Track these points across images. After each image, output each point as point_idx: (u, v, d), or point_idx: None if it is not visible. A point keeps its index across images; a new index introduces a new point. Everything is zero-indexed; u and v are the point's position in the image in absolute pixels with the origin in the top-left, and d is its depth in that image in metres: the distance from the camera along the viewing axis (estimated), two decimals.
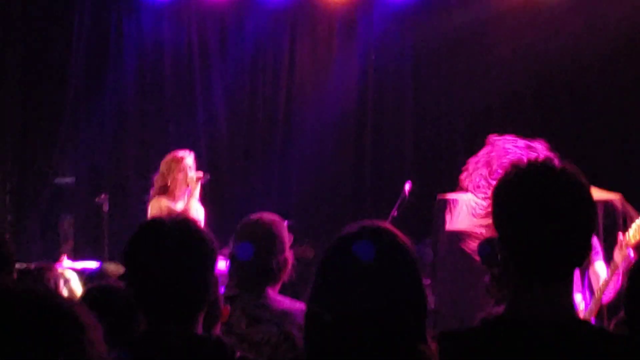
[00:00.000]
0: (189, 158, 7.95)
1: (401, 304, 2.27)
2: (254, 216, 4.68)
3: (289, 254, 4.59)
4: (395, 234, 2.38)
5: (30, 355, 1.64)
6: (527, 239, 2.56)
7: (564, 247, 2.56)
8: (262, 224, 4.60)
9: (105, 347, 1.77)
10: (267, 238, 4.55)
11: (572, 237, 2.57)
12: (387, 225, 2.42)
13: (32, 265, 5.12)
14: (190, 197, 7.84)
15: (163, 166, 7.90)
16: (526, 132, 9.40)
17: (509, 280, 2.65)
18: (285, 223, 4.81)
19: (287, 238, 4.67)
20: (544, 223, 2.54)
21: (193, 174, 7.90)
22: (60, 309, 1.72)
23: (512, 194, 2.62)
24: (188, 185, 7.85)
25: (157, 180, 7.89)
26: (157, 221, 3.04)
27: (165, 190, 7.81)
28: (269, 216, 4.70)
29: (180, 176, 7.84)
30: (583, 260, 2.64)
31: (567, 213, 2.55)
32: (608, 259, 6.30)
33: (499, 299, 4.52)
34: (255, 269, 4.48)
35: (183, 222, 3.00)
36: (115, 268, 5.80)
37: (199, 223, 3.09)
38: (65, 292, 5.00)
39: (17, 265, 5.22)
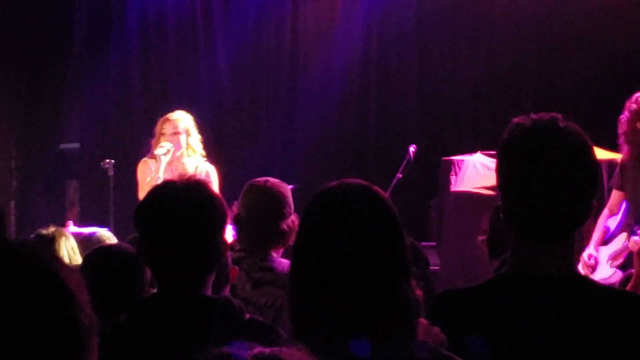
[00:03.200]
0: (179, 119, 7.75)
1: (384, 259, 2.27)
2: (261, 179, 4.68)
3: (295, 218, 4.59)
4: (374, 190, 2.39)
5: (15, 317, 1.63)
6: (528, 195, 2.57)
7: (566, 206, 2.56)
8: (270, 187, 4.60)
9: (92, 312, 1.76)
10: (275, 201, 4.55)
11: (574, 196, 2.56)
12: (364, 182, 2.42)
13: (45, 230, 5.12)
14: (158, 163, 7.55)
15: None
16: (531, 92, 9.40)
17: (510, 238, 2.65)
18: (290, 187, 4.81)
19: (291, 203, 4.68)
20: (545, 180, 2.54)
21: (183, 138, 7.65)
22: (46, 271, 1.71)
23: (514, 150, 2.62)
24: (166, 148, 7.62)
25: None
26: (169, 184, 3.06)
27: (151, 152, 7.73)
28: (275, 180, 4.70)
29: (162, 138, 7.68)
30: (584, 220, 2.63)
31: (569, 171, 2.55)
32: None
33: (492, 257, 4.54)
34: (263, 233, 4.49)
35: (195, 184, 3.02)
36: (106, 234, 5.78)
37: (210, 185, 3.11)
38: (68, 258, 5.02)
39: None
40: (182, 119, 7.73)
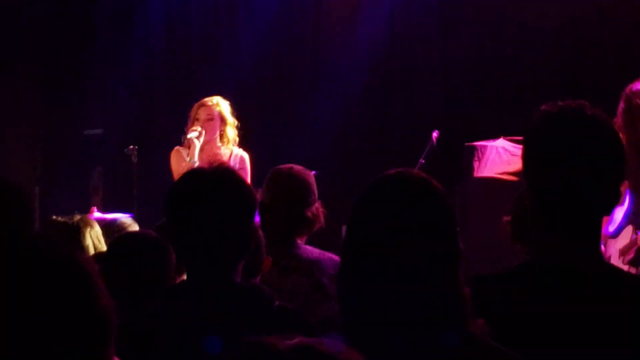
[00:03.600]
0: (215, 104, 7.64)
1: (437, 252, 2.24)
2: (285, 166, 4.68)
3: (319, 205, 4.60)
4: (429, 180, 2.34)
5: (38, 306, 1.68)
6: (554, 183, 2.56)
7: (592, 194, 2.55)
8: (295, 174, 4.60)
9: (110, 300, 1.80)
10: (301, 188, 4.56)
11: (601, 183, 2.56)
12: (420, 172, 2.38)
13: (70, 220, 5.13)
14: (193, 148, 7.45)
15: None
16: (557, 81, 9.34)
17: (537, 225, 2.65)
18: (312, 173, 4.82)
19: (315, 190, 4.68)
20: (571, 167, 2.53)
21: (217, 124, 7.55)
22: (62, 264, 1.75)
23: (541, 137, 2.61)
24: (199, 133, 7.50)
25: None
26: (198, 171, 3.08)
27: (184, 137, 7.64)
28: (299, 167, 4.70)
29: (196, 123, 7.58)
30: (611, 208, 2.63)
31: (596, 158, 2.54)
32: None
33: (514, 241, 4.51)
34: (288, 220, 4.49)
35: (224, 171, 3.03)
36: (127, 221, 5.81)
37: (240, 173, 3.11)
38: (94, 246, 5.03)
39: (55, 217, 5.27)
40: (218, 105, 7.66)
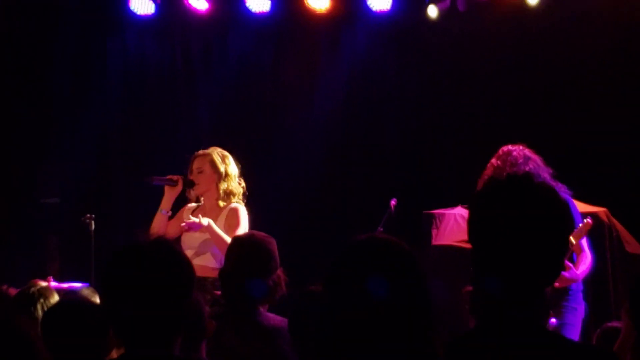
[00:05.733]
0: (205, 155, 7.11)
1: (409, 305, 2.32)
2: (246, 234, 4.69)
3: (280, 273, 4.60)
4: (398, 242, 2.44)
5: None
6: (496, 252, 2.55)
7: (534, 264, 2.54)
8: (255, 242, 4.60)
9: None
10: (261, 257, 4.56)
11: (543, 253, 2.55)
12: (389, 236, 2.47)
13: (29, 289, 5.06)
14: (164, 200, 7.06)
15: None
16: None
17: (481, 295, 2.63)
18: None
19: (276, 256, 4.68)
20: (513, 237, 2.52)
21: (211, 177, 7.03)
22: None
23: (484, 207, 2.62)
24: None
25: None
26: (133, 246, 3.03)
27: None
28: (260, 234, 4.71)
29: (190, 177, 7.10)
30: (553, 279, 2.60)
31: (539, 229, 2.53)
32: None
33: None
34: (249, 288, 4.48)
35: (159, 246, 3.00)
36: (89, 292, 5.73)
37: (175, 246, 3.06)
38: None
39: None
40: (209, 156, 7.11)
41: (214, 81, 10.54)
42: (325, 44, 10.39)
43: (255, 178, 9.73)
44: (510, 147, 6.94)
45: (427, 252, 8.22)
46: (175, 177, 7.08)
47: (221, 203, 7.00)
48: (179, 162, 7.66)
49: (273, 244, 4.67)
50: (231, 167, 7.13)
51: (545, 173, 6.70)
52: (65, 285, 7.42)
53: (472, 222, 2.66)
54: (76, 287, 6.15)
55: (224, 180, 7.03)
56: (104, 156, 10.74)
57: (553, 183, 6.42)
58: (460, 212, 8.23)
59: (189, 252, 5.62)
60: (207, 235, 6.75)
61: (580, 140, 9.04)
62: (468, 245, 8.02)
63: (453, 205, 8.42)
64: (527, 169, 6.62)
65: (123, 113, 10.75)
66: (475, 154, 9.56)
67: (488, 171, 6.87)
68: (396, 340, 2.28)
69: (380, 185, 9.84)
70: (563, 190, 6.47)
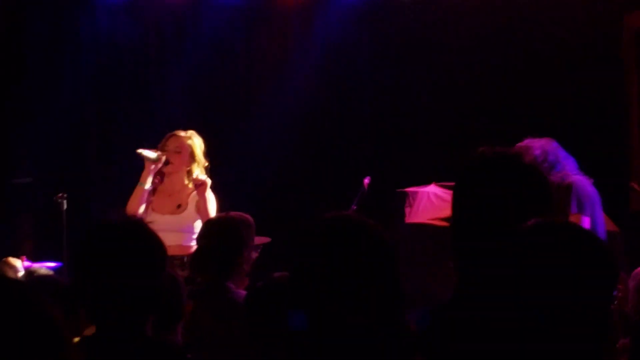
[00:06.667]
0: (185, 137, 7.17)
1: (378, 289, 2.32)
2: (221, 214, 4.74)
3: (253, 251, 4.65)
4: (366, 220, 2.45)
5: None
6: (479, 224, 2.59)
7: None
8: (228, 222, 4.65)
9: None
10: (234, 236, 4.60)
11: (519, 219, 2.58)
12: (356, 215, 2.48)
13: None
14: (144, 173, 7.09)
15: None
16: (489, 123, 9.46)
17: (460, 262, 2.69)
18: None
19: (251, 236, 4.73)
20: (499, 204, 2.57)
21: (185, 159, 7.10)
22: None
23: (467, 179, 2.66)
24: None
25: None
26: (106, 225, 3.02)
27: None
28: (235, 213, 4.75)
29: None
30: None
31: (525, 200, 2.57)
32: None
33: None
34: (222, 266, 4.52)
35: (132, 225, 3.01)
36: (46, 272, 5.71)
37: (148, 226, 3.05)
38: None
39: None
40: (190, 139, 7.18)
41: (187, 59, 10.51)
42: (298, 23, 10.38)
43: (227, 156, 9.75)
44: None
45: (400, 230, 8.26)
46: (159, 154, 7.10)
47: (189, 183, 7.09)
48: (152, 140, 7.64)
49: (247, 222, 4.71)
50: (202, 154, 7.23)
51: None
52: (36, 265, 7.40)
53: (454, 195, 2.70)
54: (50, 267, 6.14)
55: (199, 167, 7.12)
56: (77, 135, 10.70)
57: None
58: (433, 191, 8.26)
59: (160, 232, 5.64)
60: (178, 216, 6.84)
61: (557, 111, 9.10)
62: (441, 223, 8.11)
63: (426, 183, 8.45)
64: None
65: (95, 91, 10.70)
66: (448, 132, 9.63)
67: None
68: (365, 316, 2.29)
69: (353, 163, 9.86)
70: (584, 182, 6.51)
